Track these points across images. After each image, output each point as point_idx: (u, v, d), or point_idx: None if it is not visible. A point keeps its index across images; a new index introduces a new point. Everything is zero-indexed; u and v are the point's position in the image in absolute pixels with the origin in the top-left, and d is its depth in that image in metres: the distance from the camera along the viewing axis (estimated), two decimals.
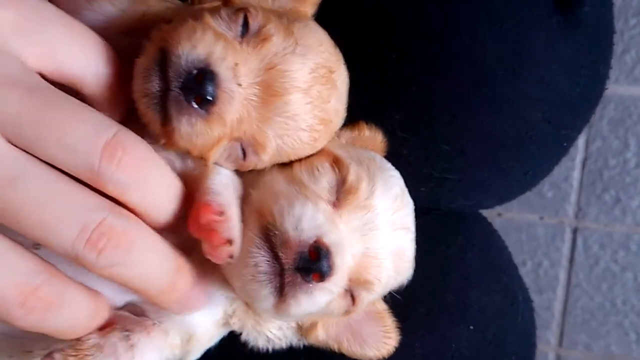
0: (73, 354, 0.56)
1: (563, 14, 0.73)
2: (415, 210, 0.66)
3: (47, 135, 0.49)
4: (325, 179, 0.61)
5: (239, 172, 0.63)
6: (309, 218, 0.57)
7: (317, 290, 0.56)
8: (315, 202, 0.58)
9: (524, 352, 0.82)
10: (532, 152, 0.77)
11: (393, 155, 0.70)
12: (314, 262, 0.56)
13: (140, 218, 0.54)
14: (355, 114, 0.67)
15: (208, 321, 0.67)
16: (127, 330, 0.59)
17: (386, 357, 0.70)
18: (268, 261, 0.57)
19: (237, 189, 0.61)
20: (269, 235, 0.57)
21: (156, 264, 0.55)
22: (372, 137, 0.71)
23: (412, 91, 0.72)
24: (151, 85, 0.55)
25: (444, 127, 0.73)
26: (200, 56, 0.54)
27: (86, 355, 0.56)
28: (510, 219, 1.57)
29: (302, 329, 0.69)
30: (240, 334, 0.70)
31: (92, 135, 0.50)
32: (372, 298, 0.64)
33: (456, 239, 0.80)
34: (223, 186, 0.58)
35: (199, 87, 0.53)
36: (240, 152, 0.59)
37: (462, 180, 0.77)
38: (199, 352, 0.68)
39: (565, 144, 0.80)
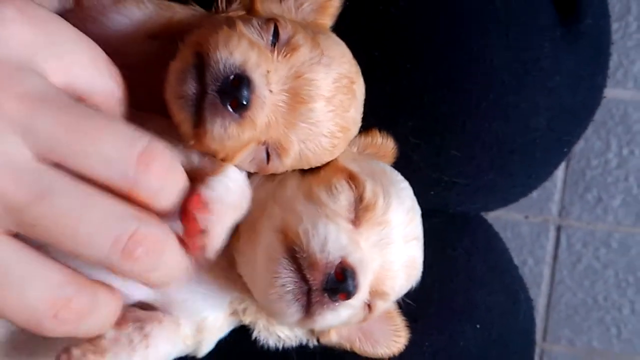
0: (91, 348, 0.58)
1: (566, 25, 0.76)
2: (424, 212, 0.69)
3: (83, 148, 0.50)
4: (344, 197, 0.62)
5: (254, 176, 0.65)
6: (333, 239, 0.59)
7: (342, 307, 0.59)
8: (336, 222, 0.60)
9: (525, 349, 0.86)
10: (536, 158, 0.79)
11: (405, 161, 0.73)
12: (340, 283, 0.58)
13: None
14: (371, 121, 0.69)
15: (217, 312, 0.69)
16: (140, 322, 0.62)
17: (397, 355, 0.72)
18: (296, 282, 0.59)
19: (244, 196, 0.62)
20: (296, 257, 0.59)
21: (177, 264, 0.57)
22: (384, 144, 0.73)
23: (424, 99, 0.74)
24: (188, 87, 0.56)
25: (454, 134, 0.76)
26: (237, 62, 0.56)
27: (104, 348, 0.59)
28: (496, 218, 1.60)
29: (315, 332, 0.71)
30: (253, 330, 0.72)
31: (126, 146, 0.51)
32: (387, 306, 0.66)
33: (462, 241, 0.83)
34: (225, 188, 0.59)
35: (236, 91, 0.55)
36: (264, 155, 0.61)
37: (470, 184, 0.79)
38: (211, 344, 0.70)
39: (565, 150, 0.84)
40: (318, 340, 0.73)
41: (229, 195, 0.60)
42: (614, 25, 1.45)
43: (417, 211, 0.68)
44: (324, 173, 0.65)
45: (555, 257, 1.61)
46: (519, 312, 0.84)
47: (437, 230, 0.72)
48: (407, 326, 0.73)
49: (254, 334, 0.71)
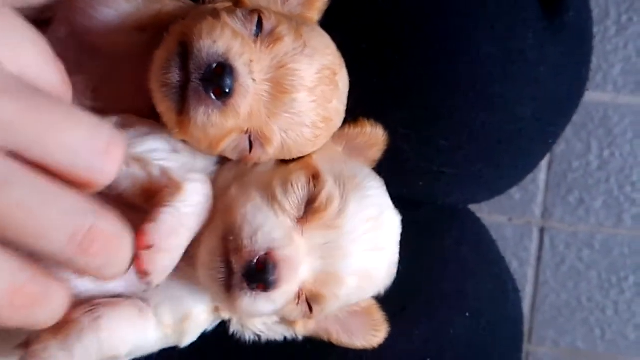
0: (46, 332, 0.58)
1: (549, 18, 0.77)
2: (413, 204, 0.70)
3: (46, 138, 0.48)
4: (296, 195, 0.63)
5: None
6: (266, 230, 0.60)
7: (260, 298, 0.59)
8: (277, 215, 0.61)
9: (514, 338, 0.87)
10: (522, 148, 0.81)
11: (395, 151, 0.74)
12: (260, 273, 0.59)
13: None
14: (361, 112, 0.71)
15: (201, 303, 0.69)
16: (93, 304, 0.61)
17: (387, 343, 0.73)
18: (221, 261, 0.60)
19: (204, 208, 0.63)
20: (228, 240, 0.60)
21: (126, 258, 0.55)
22: (374, 133, 0.74)
23: (413, 90, 0.76)
24: (172, 75, 0.58)
25: (442, 124, 0.77)
26: (220, 51, 0.57)
27: (57, 333, 0.59)
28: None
29: (286, 323, 0.72)
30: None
31: (91, 136, 0.50)
32: (331, 309, 0.66)
33: (451, 231, 0.84)
34: (177, 217, 0.60)
35: (219, 79, 0.56)
36: (247, 144, 0.62)
37: (458, 174, 0.80)
38: (195, 334, 0.70)
39: (550, 141, 0.85)
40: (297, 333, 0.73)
41: (182, 221, 0.60)
42: (593, 30, 1.48)
43: (385, 222, 0.67)
44: (292, 166, 0.66)
45: (539, 258, 1.63)
46: (508, 301, 0.85)
47: (426, 221, 0.73)
48: (397, 314, 0.73)
49: (231, 328, 0.72)
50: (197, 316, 0.69)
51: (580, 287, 1.63)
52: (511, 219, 1.62)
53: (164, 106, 0.59)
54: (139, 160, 0.61)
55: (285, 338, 0.73)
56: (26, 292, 0.51)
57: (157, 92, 0.59)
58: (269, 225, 0.60)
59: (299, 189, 0.63)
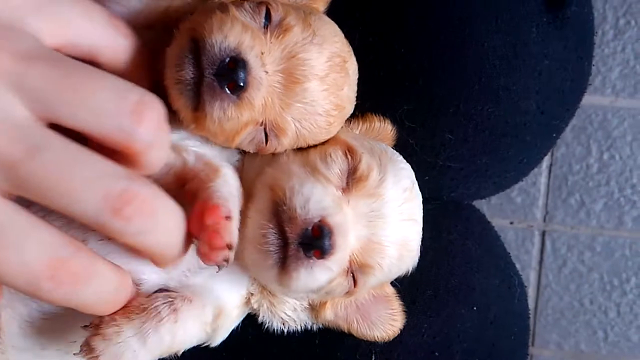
0: (120, 312, 0.58)
1: (552, 12, 0.78)
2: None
3: (76, 102, 0.50)
4: (337, 165, 0.64)
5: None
6: (316, 199, 0.60)
7: (317, 266, 0.60)
8: (324, 185, 0.62)
9: (520, 332, 0.87)
10: (527, 141, 0.81)
11: (401, 145, 0.75)
12: (316, 240, 0.59)
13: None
14: (366, 105, 0.72)
15: (236, 297, 0.69)
16: (170, 298, 0.61)
17: (396, 337, 0.73)
18: (275, 233, 0.60)
19: (239, 194, 0.63)
20: (278, 211, 0.60)
21: (175, 231, 0.56)
22: (382, 128, 0.75)
23: (419, 83, 0.76)
24: (185, 72, 0.58)
25: (448, 117, 0.77)
26: (232, 45, 0.57)
27: (130, 313, 0.59)
28: None
29: (313, 309, 0.72)
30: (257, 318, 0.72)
31: (119, 98, 0.51)
32: (374, 282, 0.67)
33: (456, 226, 0.84)
34: (228, 193, 0.60)
35: (232, 73, 0.57)
36: (263, 136, 0.63)
37: (463, 168, 0.81)
38: (226, 331, 0.70)
39: (554, 135, 0.86)
40: (318, 323, 0.73)
41: (234, 198, 0.61)
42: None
43: (417, 194, 0.69)
44: (321, 145, 0.67)
45: (540, 261, 1.64)
46: (514, 296, 0.85)
47: (431, 216, 0.73)
48: (406, 308, 0.74)
49: (260, 317, 0.72)
50: (231, 311, 0.69)
51: (582, 290, 1.63)
52: (512, 223, 1.63)
53: (180, 103, 0.59)
54: (174, 147, 0.62)
55: (295, 332, 0.73)
56: (68, 267, 0.52)
57: (172, 90, 0.59)
58: (318, 194, 0.61)
59: (339, 160, 0.64)
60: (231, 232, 0.57)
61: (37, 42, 0.52)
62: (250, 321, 0.73)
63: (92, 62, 0.56)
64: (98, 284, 0.54)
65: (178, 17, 0.65)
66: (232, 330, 0.72)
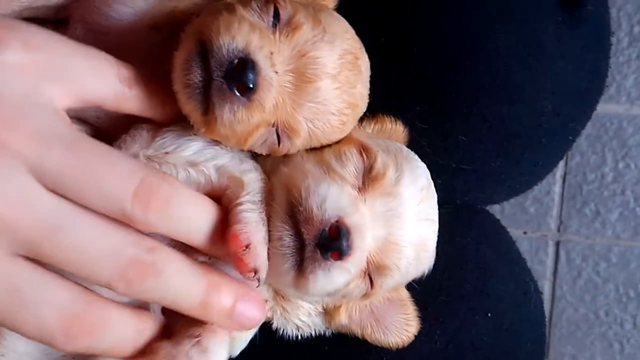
0: None
1: (568, 11, 0.77)
2: None
3: (84, 185, 0.53)
4: (352, 164, 0.63)
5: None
6: (333, 199, 0.59)
7: (335, 268, 0.58)
8: (340, 185, 0.61)
9: (536, 340, 0.85)
10: (543, 143, 0.80)
11: (413, 146, 0.73)
12: (333, 241, 0.58)
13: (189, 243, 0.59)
14: (378, 106, 0.70)
15: None
16: (196, 336, 0.60)
17: (409, 343, 0.71)
18: (291, 235, 0.59)
19: (261, 191, 0.63)
20: (294, 212, 0.59)
21: (187, 285, 0.58)
22: (394, 129, 0.73)
23: (431, 84, 0.75)
24: (193, 76, 0.57)
25: (461, 118, 0.76)
26: (240, 46, 0.56)
27: None
28: None
29: (327, 313, 0.70)
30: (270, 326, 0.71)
31: (123, 183, 0.54)
32: (391, 284, 0.65)
33: (470, 231, 0.83)
34: (251, 213, 0.60)
35: (241, 75, 0.56)
36: (275, 137, 0.61)
37: (477, 171, 0.79)
38: (245, 340, 0.69)
39: (570, 138, 0.84)
40: (331, 329, 0.72)
41: (258, 210, 0.61)
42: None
43: (433, 194, 0.67)
44: (335, 144, 0.65)
45: (555, 272, 1.61)
46: (530, 302, 0.83)
47: (444, 220, 0.72)
48: (418, 314, 0.72)
49: (274, 324, 0.71)
50: None
51: (597, 301, 1.60)
52: (526, 233, 1.61)
53: (189, 107, 0.59)
54: (192, 164, 0.62)
55: (305, 339, 0.72)
56: (82, 321, 0.54)
57: (181, 94, 0.59)
58: (334, 194, 0.59)
59: (354, 159, 0.63)
60: (253, 258, 0.57)
61: (51, 114, 0.54)
62: (260, 329, 0.71)
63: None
64: (115, 332, 0.57)
65: (185, 18, 0.64)
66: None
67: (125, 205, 0.53)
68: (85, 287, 0.56)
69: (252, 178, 0.62)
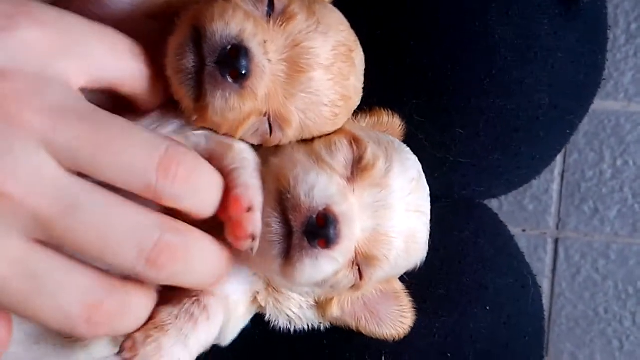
0: (153, 327, 0.58)
1: (564, 4, 0.77)
2: (430, 196, 0.68)
3: (103, 159, 0.51)
4: (342, 155, 0.63)
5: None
6: (321, 187, 0.59)
7: (322, 256, 0.58)
8: (329, 174, 0.61)
9: (535, 334, 0.84)
10: (540, 137, 0.80)
11: (410, 140, 0.73)
12: (321, 229, 0.57)
13: (192, 216, 0.56)
14: (375, 99, 0.70)
15: (243, 296, 0.68)
16: (194, 296, 0.61)
17: (407, 336, 0.71)
18: (279, 222, 0.59)
19: (256, 162, 0.62)
20: (283, 199, 0.59)
21: (209, 265, 0.57)
22: (391, 123, 0.73)
23: (428, 77, 0.75)
24: (186, 61, 0.57)
25: (459, 112, 0.76)
26: (233, 32, 0.56)
27: (164, 325, 0.58)
28: None
29: (319, 306, 0.70)
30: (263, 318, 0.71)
31: (146, 154, 0.52)
32: (381, 275, 0.65)
33: (468, 224, 0.83)
34: (249, 178, 0.59)
35: (234, 61, 0.55)
36: (267, 127, 0.61)
37: (475, 165, 0.79)
38: (236, 330, 0.69)
39: (568, 131, 0.84)
40: (325, 322, 0.72)
41: (254, 175, 0.60)
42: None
43: (424, 185, 0.67)
44: (327, 135, 0.65)
45: (554, 269, 1.61)
46: (528, 296, 0.83)
47: (442, 214, 0.72)
48: (416, 307, 0.72)
49: (266, 316, 0.70)
50: (236, 309, 0.68)
51: (596, 298, 1.60)
52: (525, 230, 1.61)
53: (181, 93, 0.58)
54: (179, 133, 0.61)
55: (301, 333, 0.72)
56: (103, 308, 0.53)
57: (173, 79, 0.58)
58: (323, 183, 0.59)
59: (344, 149, 0.63)
60: (253, 223, 0.56)
61: (64, 91, 0.52)
62: (257, 322, 0.71)
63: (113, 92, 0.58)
64: (134, 314, 0.56)
65: (181, 7, 0.64)
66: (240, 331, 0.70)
67: (150, 177, 0.51)
68: (104, 271, 0.54)
69: (243, 147, 0.62)
